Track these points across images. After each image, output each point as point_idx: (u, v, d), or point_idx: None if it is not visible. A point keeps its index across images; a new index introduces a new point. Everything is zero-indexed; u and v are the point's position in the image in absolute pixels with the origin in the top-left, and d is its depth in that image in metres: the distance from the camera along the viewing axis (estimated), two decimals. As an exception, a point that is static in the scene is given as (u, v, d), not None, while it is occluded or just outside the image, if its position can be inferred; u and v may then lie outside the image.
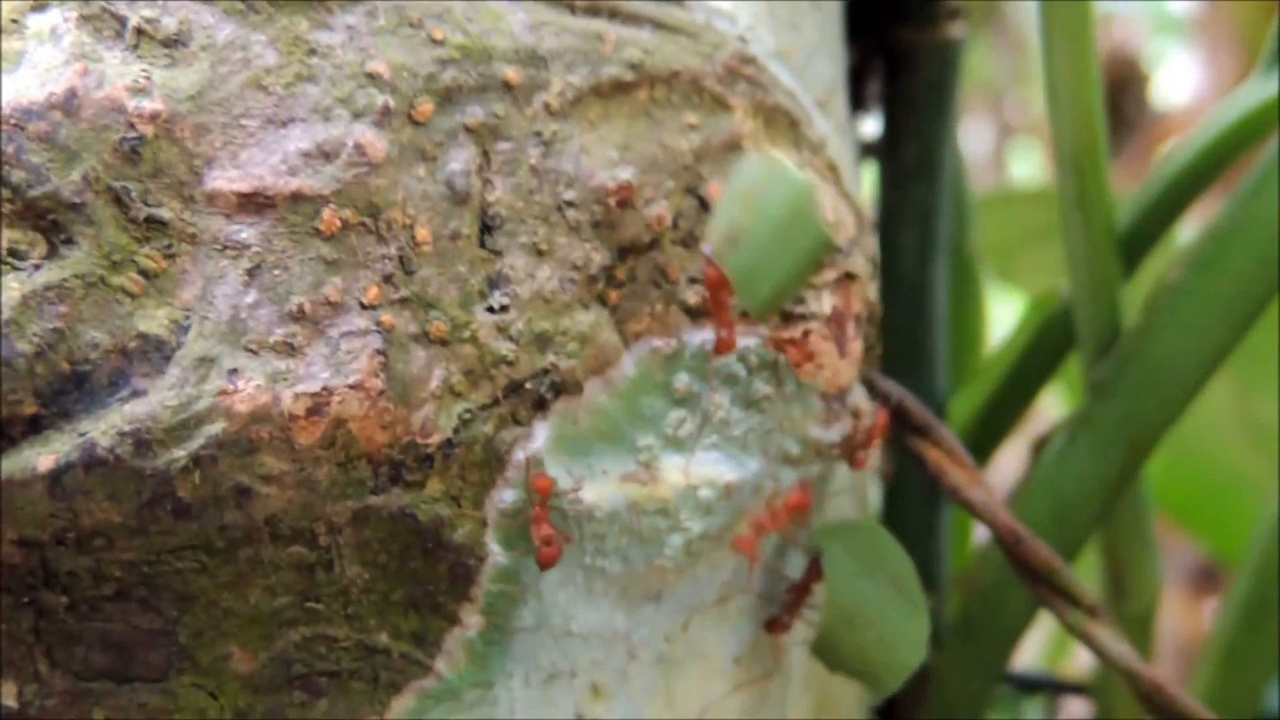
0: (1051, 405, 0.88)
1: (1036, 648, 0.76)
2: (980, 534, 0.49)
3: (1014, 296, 0.77)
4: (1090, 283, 0.44)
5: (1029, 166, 1.87)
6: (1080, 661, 0.82)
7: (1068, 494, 0.43)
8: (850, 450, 0.37)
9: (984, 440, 0.49)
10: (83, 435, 0.30)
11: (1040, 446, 0.45)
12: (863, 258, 0.38)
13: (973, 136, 1.76)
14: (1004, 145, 1.86)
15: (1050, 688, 0.53)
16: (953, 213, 0.49)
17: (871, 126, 0.50)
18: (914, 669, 0.35)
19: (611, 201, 0.34)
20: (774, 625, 0.38)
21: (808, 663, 0.41)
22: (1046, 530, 0.42)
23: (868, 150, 0.49)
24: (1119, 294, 0.44)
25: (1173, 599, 1.02)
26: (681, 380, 0.35)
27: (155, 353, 0.31)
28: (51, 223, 0.31)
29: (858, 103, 0.48)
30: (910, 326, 0.48)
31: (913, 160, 0.47)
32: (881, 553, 0.36)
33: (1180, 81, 1.77)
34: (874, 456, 0.45)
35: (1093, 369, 0.44)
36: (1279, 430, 0.63)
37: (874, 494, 0.49)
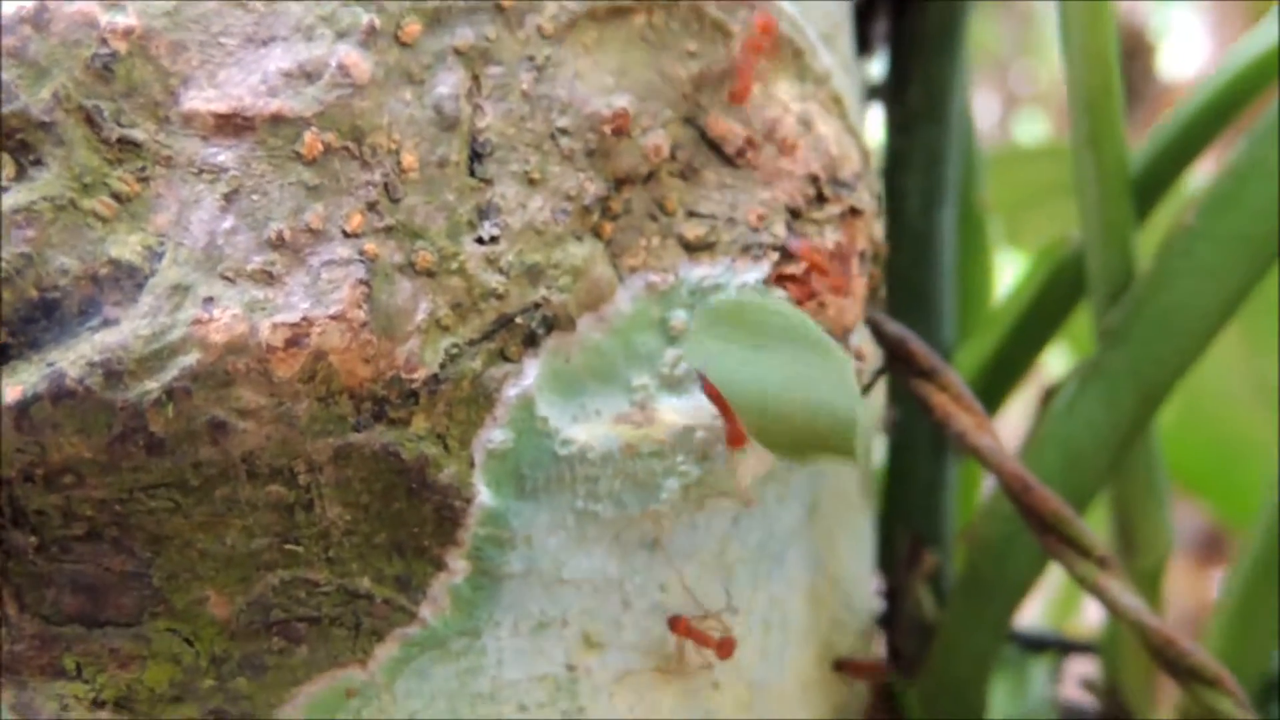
0: (1056, 366, 0.87)
1: (1042, 608, 0.75)
2: (988, 489, 0.48)
3: (1020, 256, 0.76)
4: (1102, 226, 0.42)
5: (1034, 137, 1.86)
6: (1087, 619, 0.81)
7: (1078, 443, 0.42)
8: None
9: (992, 392, 0.48)
10: (51, 365, 0.29)
11: (1049, 396, 0.44)
12: (868, 194, 0.36)
13: (978, 107, 1.75)
14: (1009, 116, 1.85)
15: (1057, 647, 0.52)
16: (960, 158, 0.47)
17: (878, 69, 0.48)
18: (854, 414, 0.33)
19: (607, 130, 0.33)
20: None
21: (809, 616, 0.40)
22: (1056, 481, 0.40)
23: (874, 93, 0.47)
24: (1131, 238, 0.42)
25: (1178, 568, 1.01)
26: (678, 317, 0.34)
27: (127, 280, 0.29)
28: (20, 143, 0.29)
29: (864, 44, 0.47)
30: (916, 273, 0.46)
31: (919, 103, 0.46)
32: (768, 320, 0.33)
33: (1187, 53, 1.76)
34: (878, 406, 0.44)
35: (1104, 316, 0.42)
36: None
37: (879, 446, 0.47)
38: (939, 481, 0.47)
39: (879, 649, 0.47)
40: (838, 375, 0.31)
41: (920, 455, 0.47)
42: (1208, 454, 0.77)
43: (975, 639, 0.45)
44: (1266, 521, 0.46)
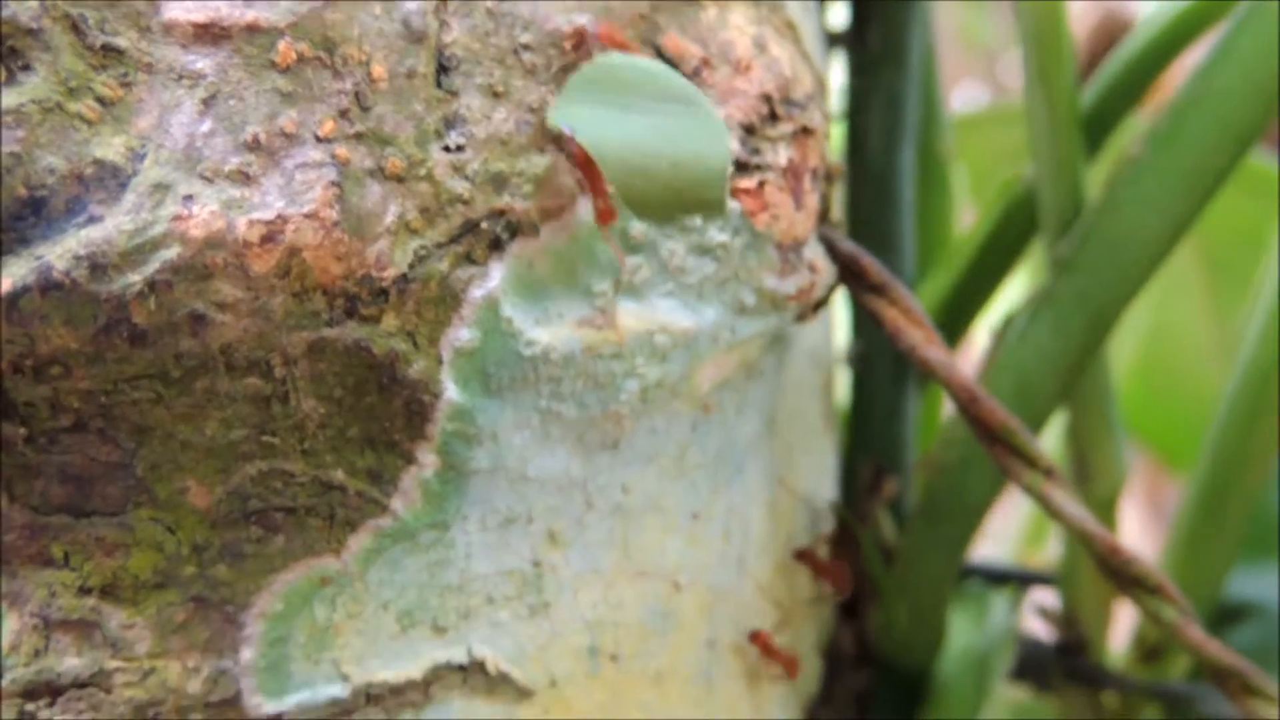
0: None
1: (1010, 548, 0.76)
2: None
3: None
4: (1052, 160, 0.44)
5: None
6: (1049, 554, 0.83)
7: (1029, 369, 0.44)
8: (805, 302, 0.37)
9: (952, 324, 0.49)
10: (39, 259, 0.31)
11: (1004, 326, 0.45)
12: (819, 114, 0.38)
13: (966, 97, 1.76)
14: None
15: (1018, 579, 0.53)
16: (920, 100, 0.49)
17: (840, 17, 0.50)
18: (723, 166, 0.33)
19: (567, 45, 0.34)
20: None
21: (769, 528, 0.42)
22: (1008, 405, 0.42)
23: (835, 40, 0.49)
24: (1081, 171, 0.44)
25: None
26: (638, 227, 0.35)
27: (111, 179, 0.31)
28: (9, 49, 0.31)
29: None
30: (877, 211, 0.48)
31: (879, 46, 0.48)
32: (640, 81, 0.34)
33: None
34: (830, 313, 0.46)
35: (1054, 246, 0.44)
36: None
37: (842, 378, 0.49)
38: (900, 411, 0.49)
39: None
40: (708, 131, 0.32)
41: (882, 386, 0.49)
42: (1179, 419, 0.79)
43: (933, 562, 0.47)
44: (1211, 452, 0.47)
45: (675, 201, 0.34)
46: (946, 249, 0.52)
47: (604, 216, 0.34)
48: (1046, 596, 0.53)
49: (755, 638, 0.41)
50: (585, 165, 0.33)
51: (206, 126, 0.31)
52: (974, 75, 1.78)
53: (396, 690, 0.35)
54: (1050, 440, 0.58)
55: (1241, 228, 0.66)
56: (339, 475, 0.34)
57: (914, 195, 0.49)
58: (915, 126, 0.48)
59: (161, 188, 0.31)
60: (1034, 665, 0.53)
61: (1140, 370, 0.74)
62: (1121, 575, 0.41)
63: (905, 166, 0.48)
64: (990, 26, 1.76)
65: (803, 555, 0.44)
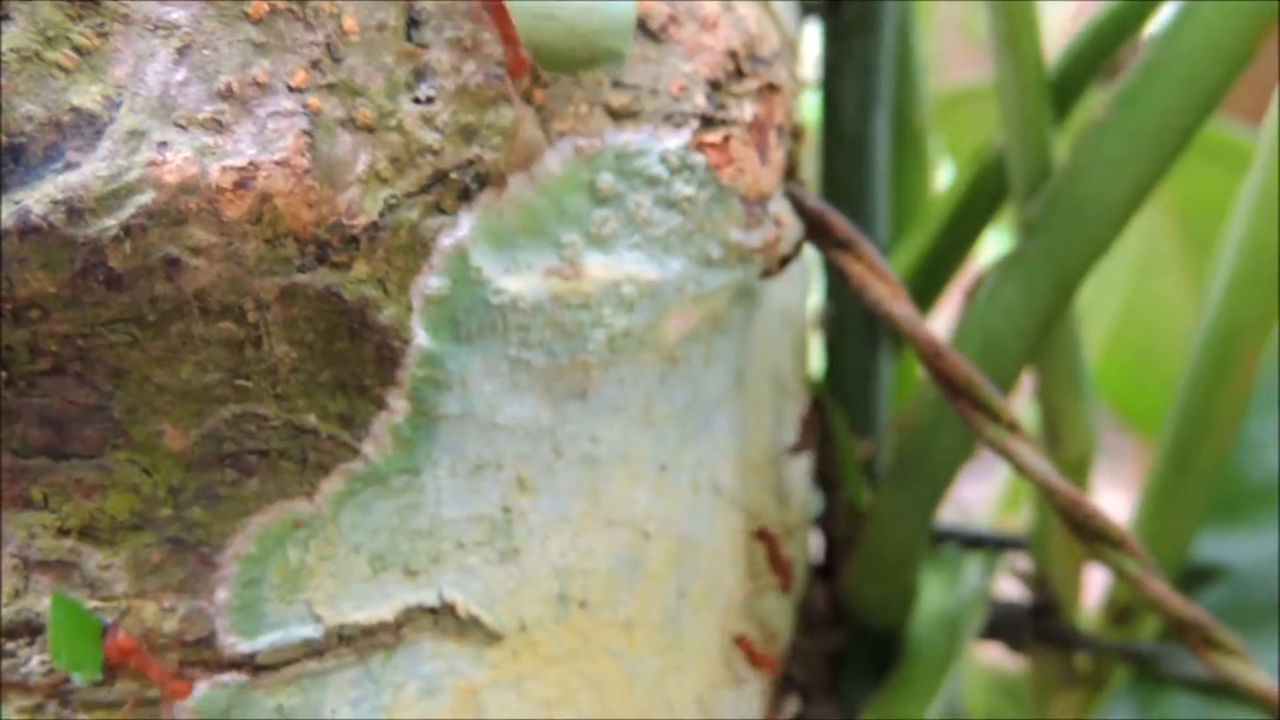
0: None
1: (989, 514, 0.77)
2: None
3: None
4: (1020, 123, 0.45)
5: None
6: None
7: (997, 329, 0.44)
8: (771, 256, 0.38)
9: (925, 287, 0.50)
10: (18, 204, 0.32)
11: (975, 288, 0.46)
12: (786, 72, 0.39)
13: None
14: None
15: (992, 544, 0.54)
16: (894, 68, 0.49)
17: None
18: (628, 13, 0.34)
19: (536, 1, 0.35)
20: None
21: (738, 484, 0.42)
22: (977, 364, 0.43)
23: (810, 8, 0.50)
24: (1049, 134, 0.45)
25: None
26: (605, 180, 0.36)
27: (88, 127, 0.32)
28: (-13, -1, 0.32)
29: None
30: (851, 177, 0.49)
31: (853, 14, 0.48)
32: None
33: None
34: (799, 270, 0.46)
35: (1023, 209, 0.45)
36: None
37: (814, 342, 0.50)
38: (872, 373, 0.50)
39: (812, 533, 0.49)
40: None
41: (855, 350, 0.50)
42: (1163, 397, 0.79)
43: (904, 521, 0.48)
44: (1177, 414, 0.48)
45: (581, 49, 0.34)
46: (921, 215, 0.53)
47: (514, 68, 0.34)
48: (1021, 560, 0.54)
49: (760, 535, 0.43)
50: (497, 11, 0.33)
51: (181, 75, 0.32)
52: (968, 65, 1.79)
53: (368, 631, 0.36)
54: (1028, 414, 0.59)
55: (1220, 202, 0.67)
56: (311, 419, 0.35)
57: (888, 161, 0.49)
58: (889, 94, 0.49)
59: (137, 135, 0.32)
60: (1007, 627, 0.53)
61: (1119, 345, 0.74)
62: (1084, 529, 0.42)
63: (879, 133, 0.49)
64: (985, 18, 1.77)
65: (762, 535, 0.45)
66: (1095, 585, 0.54)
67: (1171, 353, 0.76)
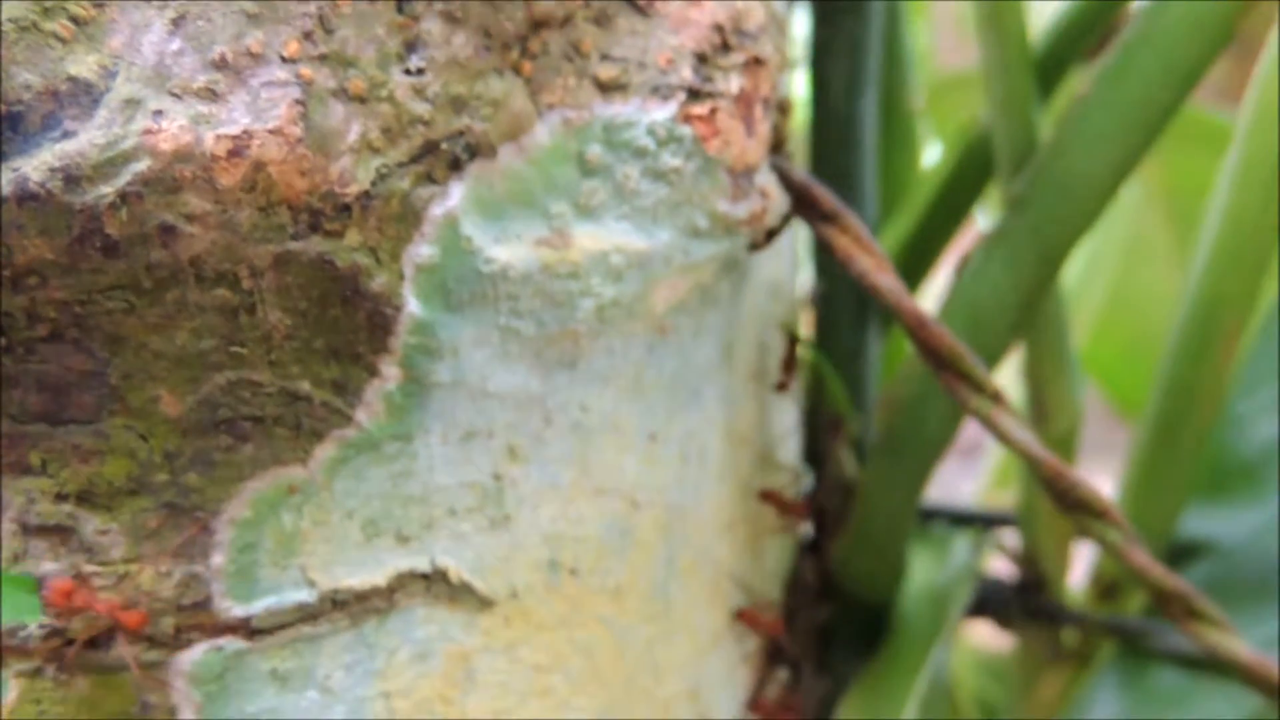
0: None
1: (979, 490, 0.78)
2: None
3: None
4: (1006, 100, 0.45)
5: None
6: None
7: (983, 304, 0.45)
8: (757, 228, 0.39)
9: (913, 264, 0.51)
10: (16, 171, 0.32)
11: (962, 264, 0.47)
12: (772, 46, 0.39)
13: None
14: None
15: (981, 521, 0.55)
16: (881, 49, 0.50)
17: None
18: None
19: (525, -26, 0.36)
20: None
21: (727, 454, 0.43)
22: (963, 338, 0.43)
23: (801, -10, 0.50)
24: (1034, 111, 0.45)
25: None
26: (594, 151, 0.37)
27: (85, 95, 0.33)
28: (-14, -30, 0.32)
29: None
30: (840, 156, 0.49)
31: (841, -3, 0.49)
32: None
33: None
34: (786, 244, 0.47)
35: (1008, 185, 0.46)
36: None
37: (805, 318, 0.50)
38: (861, 350, 0.50)
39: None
40: None
41: (844, 326, 0.50)
42: (1140, 370, 0.80)
43: (892, 495, 0.48)
44: (1161, 388, 0.49)
45: None
46: (910, 193, 0.53)
47: None
48: (1011, 538, 0.54)
49: (766, 496, 0.44)
50: None
51: (176, 45, 0.33)
52: (964, 56, 1.79)
53: (362, 596, 0.37)
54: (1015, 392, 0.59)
55: (1207, 187, 0.67)
56: (305, 386, 0.35)
57: (876, 140, 0.50)
58: (877, 75, 0.49)
59: (132, 103, 0.33)
60: (995, 603, 0.54)
61: (1108, 330, 0.75)
62: (1067, 499, 0.42)
63: (867, 113, 0.49)
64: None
65: (767, 496, 0.46)
66: (1083, 562, 0.55)
67: (1160, 337, 0.77)
